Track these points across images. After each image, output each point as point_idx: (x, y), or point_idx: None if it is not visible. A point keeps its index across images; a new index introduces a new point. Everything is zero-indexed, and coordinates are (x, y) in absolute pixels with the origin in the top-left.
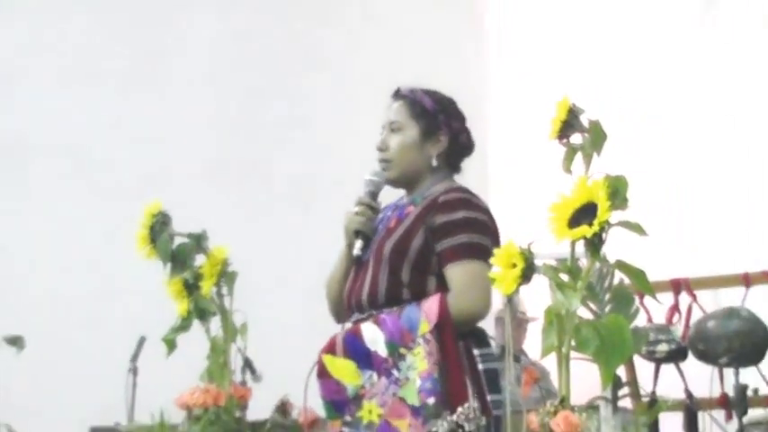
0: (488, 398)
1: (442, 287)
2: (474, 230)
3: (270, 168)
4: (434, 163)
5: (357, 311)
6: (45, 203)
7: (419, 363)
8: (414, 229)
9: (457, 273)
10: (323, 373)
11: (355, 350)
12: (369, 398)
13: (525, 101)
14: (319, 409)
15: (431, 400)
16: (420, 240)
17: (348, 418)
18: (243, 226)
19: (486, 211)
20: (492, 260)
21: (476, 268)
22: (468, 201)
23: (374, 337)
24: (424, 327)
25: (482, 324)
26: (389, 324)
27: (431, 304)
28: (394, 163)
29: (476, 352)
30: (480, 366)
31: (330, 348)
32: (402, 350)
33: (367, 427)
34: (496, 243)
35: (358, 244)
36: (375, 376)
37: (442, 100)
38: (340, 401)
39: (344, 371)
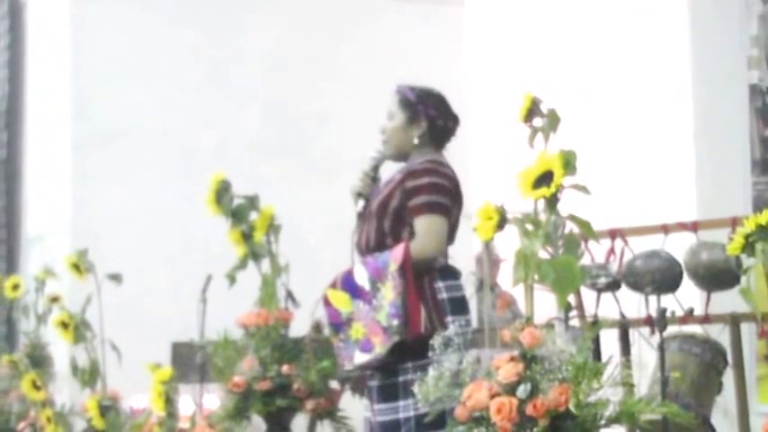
0: (449, 318)
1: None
2: (435, 192)
3: (305, 148)
4: (416, 142)
5: (362, 255)
6: (139, 171)
7: (388, 293)
8: (393, 192)
9: (419, 224)
10: (327, 302)
11: (349, 285)
12: (356, 320)
13: (499, 96)
14: None
15: (395, 321)
16: (396, 201)
17: (342, 336)
18: (286, 191)
19: (448, 178)
20: (448, 214)
21: (433, 221)
22: (433, 169)
23: (361, 274)
24: (392, 266)
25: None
26: (370, 265)
27: (397, 250)
28: (388, 143)
29: (440, 284)
30: (444, 295)
31: (334, 285)
32: (378, 284)
33: (355, 342)
34: (456, 202)
35: (360, 203)
36: (361, 304)
37: (423, 93)
38: (338, 324)
39: (341, 301)
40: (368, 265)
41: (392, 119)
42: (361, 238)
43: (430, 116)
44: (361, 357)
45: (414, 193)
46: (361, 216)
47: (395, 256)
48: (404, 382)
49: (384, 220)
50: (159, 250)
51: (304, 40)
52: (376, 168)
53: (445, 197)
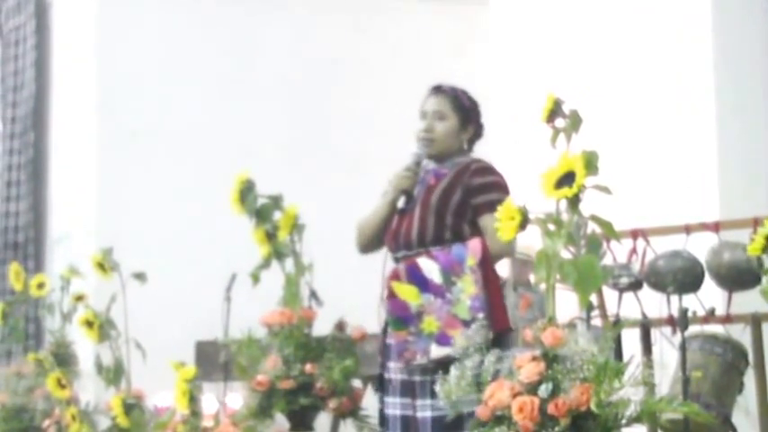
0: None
1: (475, 231)
2: (499, 190)
3: (329, 147)
4: (466, 146)
5: (405, 249)
6: (163, 171)
7: (468, 287)
8: (452, 187)
9: (489, 222)
10: (391, 294)
11: (416, 278)
12: (428, 314)
13: (521, 95)
14: (368, 327)
15: (480, 315)
16: (458, 196)
17: (413, 329)
18: (310, 190)
19: (503, 177)
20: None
21: None
22: (494, 169)
23: (430, 268)
24: (471, 261)
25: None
26: (442, 258)
27: (475, 244)
28: (436, 143)
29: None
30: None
31: (395, 276)
32: (453, 278)
33: (429, 335)
34: None
35: (403, 199)
36: (432, 297)
37: (473, 99)
38: (405, 317)
39: (408, 293)
40: (438, 259)
41: (443, 119)
42: (409, 231)
43: (479, 122)
44: (439, 351)
45: (481, 191)
46: (403, 211)
47: (473, 250)
48: None
49: (446, 215)
50: (183, 249)
51: (328, 38)
52: (419, 164)
53: (507, 195)
